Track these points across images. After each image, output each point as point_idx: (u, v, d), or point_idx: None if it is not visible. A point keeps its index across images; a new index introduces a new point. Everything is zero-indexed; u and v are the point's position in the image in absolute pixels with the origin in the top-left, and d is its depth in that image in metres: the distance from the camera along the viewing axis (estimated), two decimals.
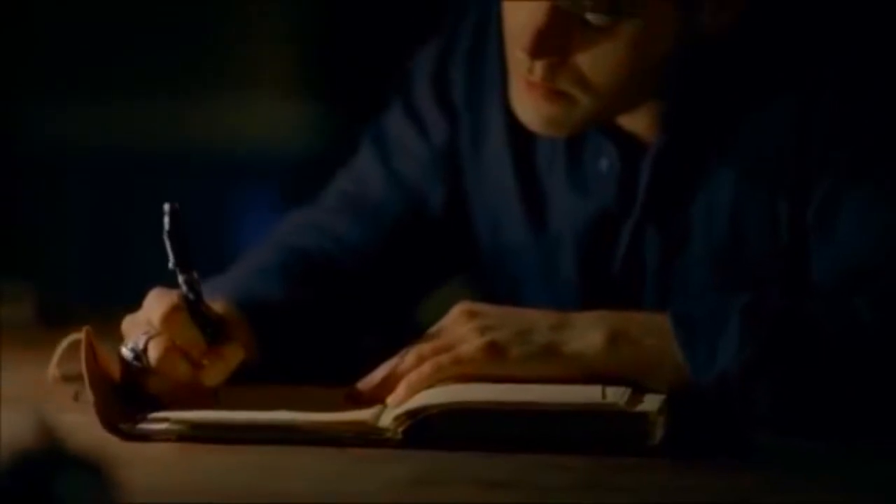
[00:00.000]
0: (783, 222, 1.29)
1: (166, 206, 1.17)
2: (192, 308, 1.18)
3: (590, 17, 1.21)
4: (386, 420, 1.13)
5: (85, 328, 1.19)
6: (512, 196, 1.41)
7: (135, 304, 1.22)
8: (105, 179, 3.10)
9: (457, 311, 1.21)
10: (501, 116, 1.39)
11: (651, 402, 1.12)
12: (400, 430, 1.11)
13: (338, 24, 3.15)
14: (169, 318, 1.16)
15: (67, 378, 1.29)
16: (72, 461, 0.71)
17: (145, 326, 1.18)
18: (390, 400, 1.16)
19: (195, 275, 1.18)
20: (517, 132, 1.38)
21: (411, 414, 1.11)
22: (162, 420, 1.13)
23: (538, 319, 1.20)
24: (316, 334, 1.35)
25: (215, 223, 2.99)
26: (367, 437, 1.12)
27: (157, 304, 1.18)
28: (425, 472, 1.06)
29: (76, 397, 1.23)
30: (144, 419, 1.13)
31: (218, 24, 3.17)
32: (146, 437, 1.13)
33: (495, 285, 1.45)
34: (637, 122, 1.32)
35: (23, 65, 3.06)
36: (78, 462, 0.71)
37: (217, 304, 1.24)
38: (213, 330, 1.19)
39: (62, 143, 3.05)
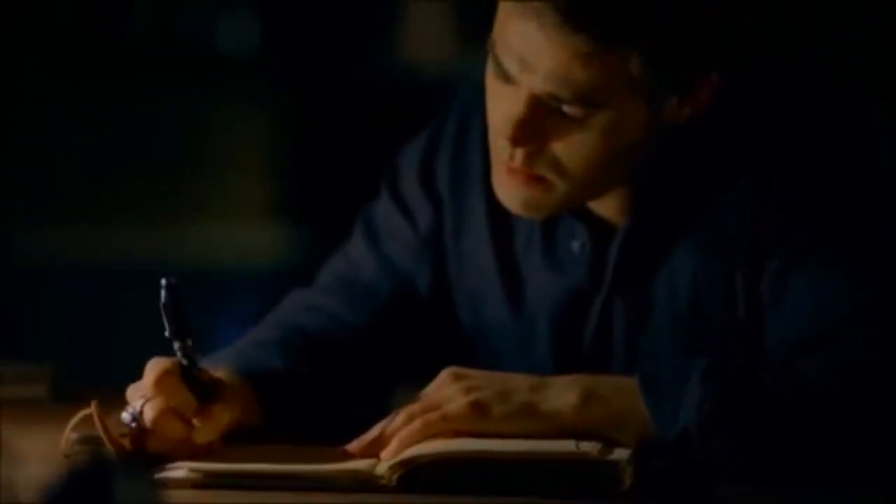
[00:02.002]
0: (739, 296, 1.40)
1: (163, 281, 1.30)
2: (186, 373, 1.31)
3: (566, 108, 1.32)
4: (381, 469, 1.24)
5: (93, 401, 1.31)
6: (492, 277, 1.53)
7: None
8: (92, 290, 3.25)
9: (444, 374, 1.33)
10: (482, 203, 1.51)
11: (620, 453, 1.24)
12: (394, 477, 1.22)
13: (307, 155, 3.32)
14: (161, 381, 1.29)
15: (82, 441, 1.40)
16: (122, 466, 0.82)
17: (143, 391, 1.30)
18: (384, 454, 1.28)
19: (189, 342, 1.31)
20: (497, 218, 1.50)
21: (405, 463, 1.23)
22: (179, 469, 1.24)
23: (518, 381, 1.31)
24: (312, 402, 1.46)
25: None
26: (364, 484, 1.23)
27: (152, 370, 1.31)
28: None
29: (68, 455, 1.34)
30: (163, 469, 1.25)
31: (198, 156, 3.35)
32: (164, 485, 1.23)
33: (476, 359, 1.56)
34: (606, 207, 1.45)
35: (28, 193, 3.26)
36: (127, 466, 0.82)
37: (221, 373, 1.37)
38: (205, 392, 1.32)
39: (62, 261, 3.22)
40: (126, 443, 1.30)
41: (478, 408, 1.28)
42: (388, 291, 1.57)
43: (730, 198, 1.40)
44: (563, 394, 1.29)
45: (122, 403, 1.34)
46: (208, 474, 1.24)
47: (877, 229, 1.38)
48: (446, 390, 1.31)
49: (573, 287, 1.48)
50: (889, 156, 1.43)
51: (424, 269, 1.57)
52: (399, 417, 1.30)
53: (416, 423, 1.28)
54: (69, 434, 1.42)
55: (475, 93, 1.44)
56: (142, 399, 1.30)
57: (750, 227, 1.39)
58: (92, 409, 1.31)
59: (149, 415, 1.28)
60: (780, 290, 1.38)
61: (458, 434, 1.28)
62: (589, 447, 1.24)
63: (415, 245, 1.57)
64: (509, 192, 1.39)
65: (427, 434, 1.27)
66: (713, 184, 1.41)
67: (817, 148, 1.40)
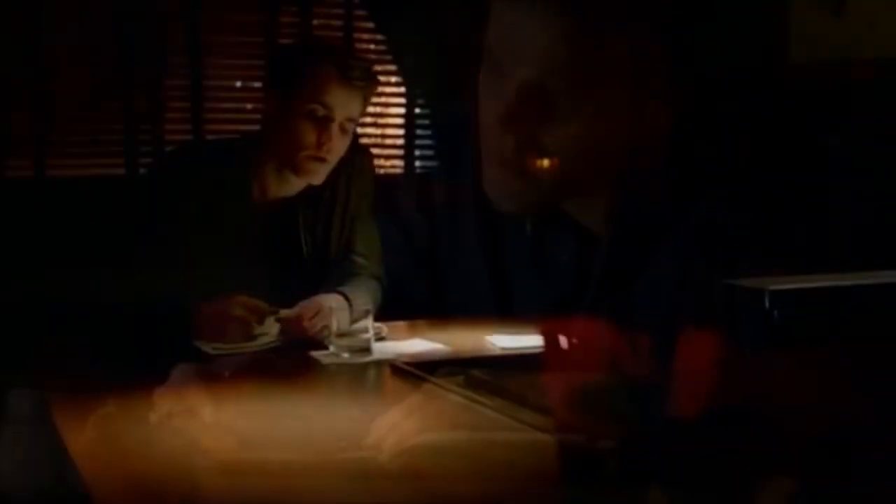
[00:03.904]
0: (717, 299, 1.48)
1: None
2: (207, 375, 1.42)
3: (553, 96, 1.37)
4: (384, 457, 1.33)
5: (110, 401, 1.41)
6: (484, 288, 1.62)
7: None
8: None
9: (440, 372, 1.42)
10: (475, 221, 1.60)
11: (606, 444, 1.33)
12: (395, 464, 1.31)
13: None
14: (184, 385, 1.40)
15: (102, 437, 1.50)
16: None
17: (172, 396, 1.40)
18: (385, 446, 1.37)
19: None
20: (489, 234, 1.59)
21: (406, 450, 1.32)
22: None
23: (509, 380, 1.41)
24: None
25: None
26: (367, 471, 1.32)
27: (177, 375, 1.41)
28: (418, 494, 1.28)
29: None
30: None
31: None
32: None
33: None
34: (591, 219, 1.53)
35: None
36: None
37: None
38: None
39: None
40: None
41: (471, 404, 1.38)
42: (388, 299, 1.66)
43: (708, 206, 1.48)
44: (551, 392, 1.38)
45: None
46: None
47: (852, 234, 1.47)
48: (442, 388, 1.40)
49: (561, 293, 1.56)
50: (863, 166, 1.51)
51: (421, 279, 1.66)
52: (399, 412, 1.39)
53: (415, 416, 1.37)
54: (90, 430, 1.51)
55: (466, 120, 1.52)
56: (170, 404, 1.40)
57: (727, 233, 1.47)
58: (111, 407, 1.41)
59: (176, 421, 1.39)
60: (756, 294, 1.46)
61: (453, 427, 1.37)
62: (576, 439, 1.33)
63: (410, 257, 1.66)
64: (500, 187, 1.45)
65: (425, 427, 1.36)
66: (687, 196, 1.49)
67: (793, 157, 1.49)
